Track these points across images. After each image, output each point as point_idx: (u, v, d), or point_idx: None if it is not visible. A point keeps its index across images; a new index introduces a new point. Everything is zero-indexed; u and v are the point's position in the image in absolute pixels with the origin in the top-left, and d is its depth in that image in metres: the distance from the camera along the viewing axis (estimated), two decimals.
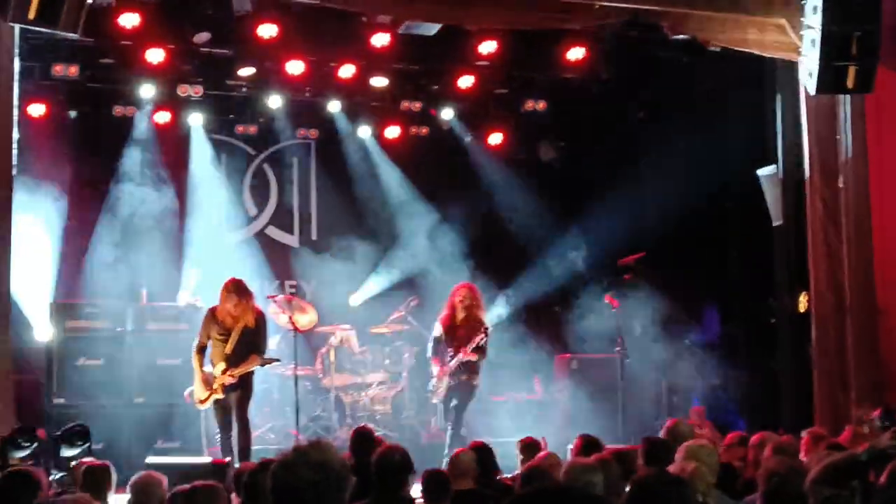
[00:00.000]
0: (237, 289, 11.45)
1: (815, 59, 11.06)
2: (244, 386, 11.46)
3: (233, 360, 11.34)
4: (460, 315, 12.18)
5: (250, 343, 11.42)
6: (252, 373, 11.54)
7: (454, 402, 12.14)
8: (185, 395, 12.14)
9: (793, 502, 5.87)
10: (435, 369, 12.33)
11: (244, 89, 15.02)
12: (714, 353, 15.14)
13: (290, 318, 12.74)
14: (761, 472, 6.22)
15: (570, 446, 9.29)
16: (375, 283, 15.96)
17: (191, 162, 15.49)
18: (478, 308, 12.31)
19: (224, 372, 11.31)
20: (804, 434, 8.63)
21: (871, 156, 12.02)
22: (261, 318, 11.59)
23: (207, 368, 11.46)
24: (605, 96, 15.36)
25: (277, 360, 12.34)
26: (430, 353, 12.54)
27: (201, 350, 11.54)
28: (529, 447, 8.93)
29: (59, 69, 13.46)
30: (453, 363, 12.07)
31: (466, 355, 11.99)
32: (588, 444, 8.36)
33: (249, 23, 12.66)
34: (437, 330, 12.37)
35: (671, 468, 6.46)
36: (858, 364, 11.84)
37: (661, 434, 8.28)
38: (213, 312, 11.58)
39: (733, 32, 11.75)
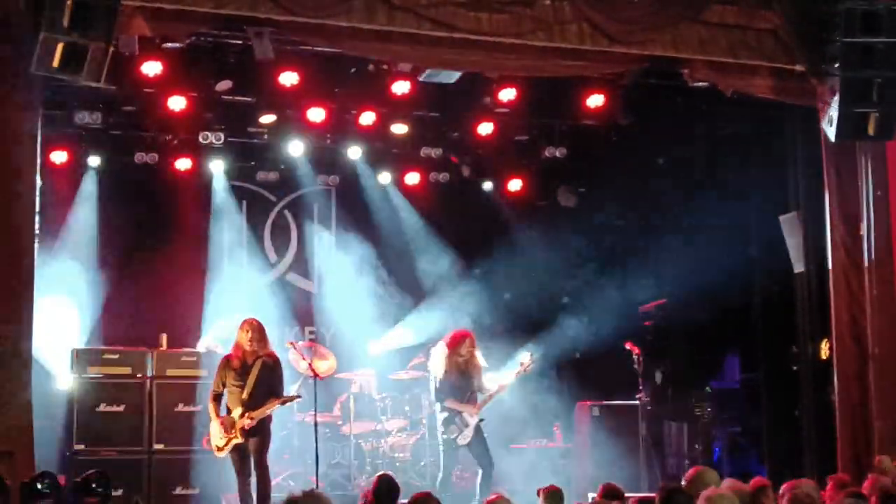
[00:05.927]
0: (253, 328, 11.55)
1: (836, 105, 11.04)
2: (262, 432, 11.46)
3: (250, 405, 11.36)
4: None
5: (267, 387, 11.44)
6: (270, 418, 11.55)
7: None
8: (203, 441, 12.10)
9: None
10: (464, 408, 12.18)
11: (265, 136, 15.07)
12: (735, 400, 15.04)
13: (310, 364, 12.72)
14: None
15: (593, 495, 9.21)
16: (396, 332, 15.92)
17: (212, 208, 15.54)
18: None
19: (242, 416, 11.30)
20: (828, 480, 8.56)
21: (893, 201, 11.96)
22: (276, 362, 11.63)
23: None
24: (624, 142, 15.36)
25: (298, 398, 12.31)
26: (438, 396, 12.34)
27: (216, 398, 11.59)
28: (553, 496, 8.83)
29: (81, 116, 13.57)
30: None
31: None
32: (610, 493, 8.32)
33: (271, 70, 12.70)
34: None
35: None
36: (881, 411, 11.72)
37: (684, 482, 8.21)
38: (227, 360, 11.64)
39: (753, 79, 11.72)
